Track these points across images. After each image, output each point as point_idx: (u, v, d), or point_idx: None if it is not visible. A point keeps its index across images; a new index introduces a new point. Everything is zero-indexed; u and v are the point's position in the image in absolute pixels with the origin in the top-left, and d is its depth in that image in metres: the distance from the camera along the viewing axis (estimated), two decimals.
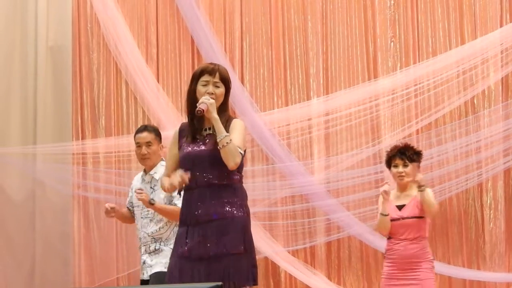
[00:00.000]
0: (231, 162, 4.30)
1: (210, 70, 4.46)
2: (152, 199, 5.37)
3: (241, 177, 4.49)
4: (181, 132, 4.55)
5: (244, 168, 4.53)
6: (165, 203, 5.49)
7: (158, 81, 7.53)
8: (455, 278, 6.90)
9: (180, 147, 4.50)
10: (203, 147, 4.42)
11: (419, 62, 7.08)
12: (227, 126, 4.42)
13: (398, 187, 5.81)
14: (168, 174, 4.50)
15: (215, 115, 4.31)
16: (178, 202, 5.05)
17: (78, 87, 7.69)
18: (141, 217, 5.67)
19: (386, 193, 5.65)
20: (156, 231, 5.54)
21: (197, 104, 4.34)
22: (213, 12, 7.52)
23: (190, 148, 4.43)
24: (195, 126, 4.46)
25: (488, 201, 6.92)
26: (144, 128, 5.75)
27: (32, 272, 7.56)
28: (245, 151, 4.46)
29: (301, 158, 7.19)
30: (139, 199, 5.38)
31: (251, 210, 4.65)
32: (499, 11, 7.00)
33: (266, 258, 7.19)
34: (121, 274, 7.46)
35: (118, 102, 7.66)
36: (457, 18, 7.09)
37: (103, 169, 7.52)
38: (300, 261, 7.16)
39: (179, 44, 7.58)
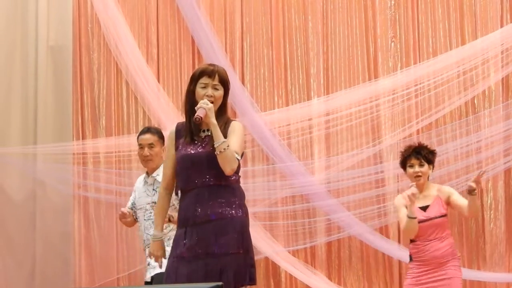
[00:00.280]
0: (228, 168, 4.30)
1: (209, 72, 4.45)
2: (171, 215, 5.28)
3: (239, 177, 4.50)
4: (178, 132, 4.54)
5: (244, 168, 4.54)
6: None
7: (158, 81, 7.54)
8: None
9: (177, 148, 4.49)
10: (201, 149, 4.42)
11: (419, 62, 7.08)
12: (225, 129, 4.42)
13: (416, 187, 5.74)
14: (166, 184, 4.53)
15: (213, 120, 4.30)
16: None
17: (79, 87, 7.69)
18: (144, 219, 5.68)
19: (414, 195, 5.54)
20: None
21: (196, 108, 4.33)
22: (213, 12, 7.52)
23: (188, 150, 4.43)
24: (193, 127, 4.46)
25: (489, 201, 6.92)
26: (147, 130, 5.77)
27: (32, 272, 7.56)
28: (242, 154, 4.46)
29: (301, 158, 7.19)
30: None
31: (252, 210, 4.67)
32: (500, 11, 7.00)
33: (266, 258, 7.19)
34: (121, 274, 7.47)
35: (118, 102, 7.66)
36: (458, 18, 7.10)
37: (103, 169, 7.53)
38: (301, 261, 7.16)
39: (180, 44, 7.58)
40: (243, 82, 7.39)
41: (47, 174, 7.55)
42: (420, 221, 5.61)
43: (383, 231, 7.04)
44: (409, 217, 5.57)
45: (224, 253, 4.32)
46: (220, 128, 4.37)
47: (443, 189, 5.78)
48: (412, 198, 5.50)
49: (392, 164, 6.99)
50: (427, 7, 7.15)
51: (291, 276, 7.18)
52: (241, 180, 4.58)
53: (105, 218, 7.54)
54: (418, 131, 7.01)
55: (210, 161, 4.35)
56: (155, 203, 5.52)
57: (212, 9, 7.52)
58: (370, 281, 7.10)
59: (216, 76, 4.44)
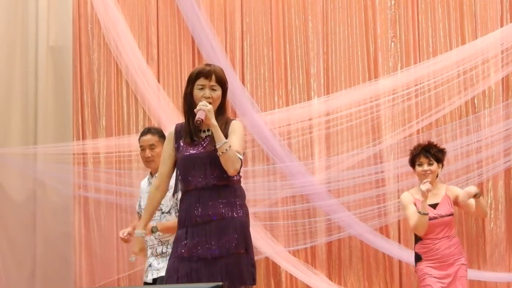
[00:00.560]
0: (231, 169, 4.31)
1: (206, 73, 4.45)
2: (155, 226, 5.30)
3: (239, 177, 4.50)
4: (177, 133, 4.54)
5: (245, 168, 4.55)
6: (171, 205, 5.49)
7: (158, 81, 7.53)
8: None
9: (178, 149, 4.49)
10: (202, 149, 4.42)
11: (419, 62, 7.08)
12: (226, 128, 4.42)
13: (429, 184, 5.75)
14: (160, 180, 4.54)
15: (213, 121, 4.30)
16: None
17: (79, 87, 7.69)
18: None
19: (428, 191, 5.57)
20: (163, 234, 5.53)
21: (195, 111, 4.33)
22: (213, 12, 7.52)
23: (189, 150, 4.43)
24: (193, 127, 4.46)
25: (489, 201, 6.92)
26: (147, 131, 5.75)
27: (33, 272, 7.56)
28: (244, 153, 4.46)
29: (301, 158, 7.19)
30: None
31: (252, 210, 4.67)
32: (500, 11, 7.00)
33: (267, 258, 7.19)
34: (121, 275, 7.46)
35: (118, 102, 7.66)
36: (458, 18, 7.10)
37: (103, 169, 7.52)
38: (301, 261, 7.16)
39: (180, 44, 7.58)
40: (243, 82, 7.39)
41: (48, 174, 7.55)
42: (430, 218, 5.64)
43: (384, 231, 7.04)
44: (422, 213, 5.60)
45: (225, 253, 4.33)
46: (220, 128, 4.38)
47: (451, 189, 5.82)
48: (426, 194, 5.55)
49: (392, 164, 6.99)
50: (427, 7, 7.15)
51: (291, 276, 7.18)
52: (242, 180, 4.58)
53: (105, 218, 7.54)
54: (418, 131, 7.01)
55: (211, 161, 4.35)
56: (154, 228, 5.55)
57: (212, 9, 7.52)
58: (371, 281, 7.11)
59: (213, 77, 4.44)
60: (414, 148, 5.91)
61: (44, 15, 7.70)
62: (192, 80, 4.47)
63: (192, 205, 4.40)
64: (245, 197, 4.52)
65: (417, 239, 5.78)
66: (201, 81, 4.44)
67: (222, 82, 4.48)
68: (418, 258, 5.76)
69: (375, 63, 7.22)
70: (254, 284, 4.44)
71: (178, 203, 4.68)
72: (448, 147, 6.86)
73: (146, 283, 5.62)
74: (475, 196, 5.60)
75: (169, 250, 5.44)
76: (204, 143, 4.44)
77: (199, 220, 4.37)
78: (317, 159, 7.18)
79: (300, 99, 7.32)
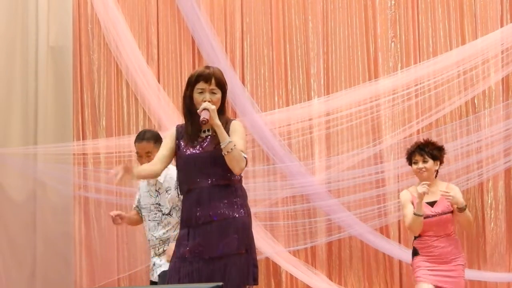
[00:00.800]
0: (237, 168, 4.32)
1: (206, 76, 4.45)
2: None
3: (241, 177, 4.50)
4: (179, 133, 4.55)
5: (245, 168, 4.52)
6: (171, 206, 5.51)
7: (159, 81, 7.54)
8: None
9: (178, 148, 4.49)
10: (203, 149, 4.43)
11: (419, 62, 7.08)
12: (226, 129, 4.43)
13: (427, 186, 5.76)
14: (156, 162, 4.51)
15: (217, 121, 4.32)
16: None
17: (79, 87, 7.69)
18: (149, 220, 5.68)
19: (423, 194, 5.57)
20: (164, 234, 5.55)
21: (199, 111, 4.34)
22: (213, 12, 7.52)
23: (190, 151, 4.44)
24: (193, 128, 4.46)
25: (489, 201, 6.92)
26: (142, 137, 5.68)
27: (33, 272, 7.56)
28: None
29: (302, 158, 7.19)
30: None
31: (252, 210, 4.66)
32: (500, 11, 7.00)
33: (267, 259, 7.19)
34: (122, 275, 7.47)
35: (118, 103, 7.66)
36: (458, 18, 7.10)
37: (103, 170, 7.52)
38: (301, 261, 7.16)
39: (180, 45, 7.58)
40: (243, 82, 7.39)
41: (48, 175, 7.55)
42: (428, 216, 5.64)
43: (384, 231, 7.04)
44: (416, 214, 5.60)
45: (227, 253, 4.33)
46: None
47: (451, 187, 5.82)
48: (422, 195, 5.55)
49: (392, 164, 6.99)
50: (427, 7, 7.15)
51: (291, 276, 7.19)
52: (242, 180, 4.58)
53: (105, 219, 7.53)
54: (418, 131, 7.01)
55: (213, 160, 4.36)
56: (159, 204, 5.58)
57: (212, 9, 7.52)
58: (371, 281, 7.11)
59: (213, 80, 4.45)
60: (411, 146, 5.93)
61: (44, 15, 7.70)
62: (191, 83, 4.47)
63: (193, 206, 4.40)
64: (246, 197, 4.52)
65: (416, 236, 5.78)
66: (200, 85, 4.44)
67: (221, 85, 4.48)
68: (415, 252, 5.77)
69: (375, 63, 7.22)
70: (256, 284, 4.44)
71: (180, 203, 4.69)
72: (448, 147, 6.86)
73: (152, 282, 5.64)
74: (460, 209, 5.61)
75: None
76: (204, 143, 4.45)
77: (201, 220, 4.37)
78: (317, 159, 7.18)
79: (300, 99, 7.32)
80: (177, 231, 5.36)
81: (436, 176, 5.85)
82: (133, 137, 6.00)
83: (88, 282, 7.52)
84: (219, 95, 4.46)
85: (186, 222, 4.43)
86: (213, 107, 4.34)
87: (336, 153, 7.16)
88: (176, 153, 4.51)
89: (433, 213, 5.66)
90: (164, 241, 5.56)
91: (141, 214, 5.80)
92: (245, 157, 4.35)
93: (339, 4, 7.32)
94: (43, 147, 7.58)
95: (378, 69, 7.19)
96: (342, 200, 7.06)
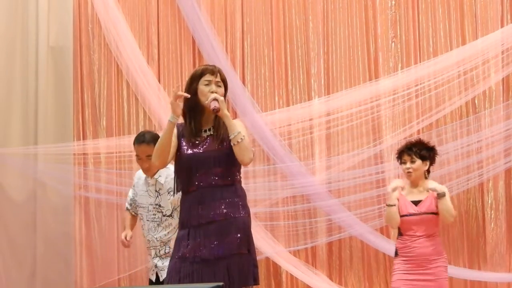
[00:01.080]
0: (246, 158, 4.33)
1: (211, 69, 4.49)
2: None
3: (240, 177, 4.51)
4: (179, 132, 4.54)
5: (245, 169, 4.55)
6: (173, 208, 5.47)
7: (159, 81, 7.53)
8: (456, 278, 6.90)
9: (179, 148, 4.49)
10: (205, 148, 4.43)
11: (420, 62, 7.08)
12: (227, 128, 4.43)
13: (411, 182, 5.80)
14: None
15: (226, 112, 4.35)
16: None
17: (79, 87, 7.69)
18: (147, 220, 5.63)
19: (397, 188, 5.65)
20: (165, 235, 5.52)
21: (208, 101, 4.35)
22: (214, 12, 7.52)
23: (191, 150, 4.44)
24: (194, 127, 4.46)
25: (489, 201, 6.92)
26: (142, 140, 5.58)
27: (33, 272, 7.56)
28: None
29: (302, 158, 7.19)
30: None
31: (253, 210, 4.67)
32: (500, 12, 7.00)
33: (267, 259, 7.19)
34: (122, 275, 7.46)
35: (119, 103, 7.66)
36: (458, 19, 7.10)
37: (104, 170, 7.52)
38: (302, 262, 7.16)
39: (180, 45, 7.58)
40: (243, 82, 7.39)
41: (48, 175, 7.55)
42: (410, 214, 5.65)
43: (384, 231, 7.04)
44: (387, 205, 5.69)
45: (228, 253, 4.33)
46: (222, 127, 4.40)
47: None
48: (394, 188, 5.64)
49: (392, 164, 6.98)
50: (427, 7, 7.15)
51: (292, 276, 7.19)
52: (242, 180, 4.58)
53: (106, 219, 7.53)
54: (418, 131, 7.01)
55: (213, 160, 4.36)
56: (158, 205, 5.51)
57: (213, 9, 7.52)
58: (371, 281, 7.11)
59: (218, 74, 4.48)
60: (401, 146, 5.94)
61: (44, 15, 7.70)
62: (197, 77, 4.48)
63: (194, 206, 4.40)
64: (246, 197, 4.52)
65: (399, 233, 5.79)
66: (207, 77, 4.46)
67: (225, 81, 4.53)
68: (395, 253, 5.79)
69: (376, 64, 7.22)
70: (257, 284, 4.44)
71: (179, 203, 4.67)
72: (449, 147, 6.87)
73: (151, 282, 5.61)
74: (438, 196, 5.60)
75: (171, 250, 5.44)
76: (205, 142, 4.45)
77: (201, 220, 4.37)
78: (318, 159, 7.18)
79: (300, 99, 7.32)
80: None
81: (427, 177, 5.83)
82: (133, 137, 5.97)
83: (88, 282, 7.52)
84: (223, 89, 4.49)
85: (186, 222, 4.43)
86: (222, 98, 4.37)
87: (337, 153, 7.16)
88: (176, 152, 4.51)
89: (416, 212, 5.67)
90: (166, 243, 5.52)
91: (136, 212, 5.74)
92: (252, 149, 4.38)
93: (340, 4, 7.32)
94: (43, 147, 7.58)
95: (379, 69, 7.20)
96: (343, 200, 7.06)
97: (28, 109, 7.67)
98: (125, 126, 7.60)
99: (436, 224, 5.72)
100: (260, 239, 6.98)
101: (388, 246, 6.96)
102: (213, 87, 4.44)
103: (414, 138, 6.21)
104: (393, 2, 7.23)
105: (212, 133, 4.46)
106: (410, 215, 5.65)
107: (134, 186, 5.81)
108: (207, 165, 4.38)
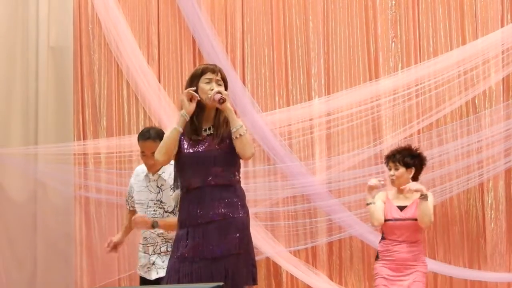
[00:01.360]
0: (248, 152, 4.33)
1: (212, 68, 4.50)
2: (155, 221, 5.19)
3: (239, 177, 4.51)
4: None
5: (245, 169, 4.54)
6: (175, 205, 5.41)
7: (159, 81, 7.54)
8: (456, 278, 6.91)
9: (180, 146, 4.49)
10: (204, 148, 4.43)
11: (420, 62, 7.08)
12: (227, 127, 4.43)
13: (397, 188, 5.81)
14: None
15: (229, 105, 4.35)
16: None
17: (80, 87, 7.70)
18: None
19: (373, 187, 5.70)
20: (167, 232, 5.42)
21: (212, 93, 4.35)
22: (214, 12, 7.52)
23: (191, 149, 4.43)
24: (194, 127, 4.47)
25: (489, 201, 6.92)
26: (148, 136, 5.45)
27: (34, 272, 7.56)
28: None
29: (302, 158, 7.19)
30: (138, 227, 5.24)
31: (253, 210, 4.67)
32: (500, 12, 7.00)
33: (267, 259, 7.19)
34: (122, 275, 7.47)
35: (119, 103, 7.67)
36: (458, 19, 7.10)
37: (104, 170, 7.52)
38: (302, 262, 7.17)
39: (181, 45, 7.59)
40: (244, 82, 7.40)
41: (48, 175, 7.55)
42: (394, 219, 5.66)
43: None
44: (366, 204, 5.73)
45: (227, 253, 4.33)
46: (221, 126, 4.40)
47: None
48: (369, 188, 5.70)
49: None
50: (427, 7, 7.16)
51: (292, 276, 7.19)
52: (242, 180, 4.59)
53: (106, 219, 7.53)
54: (419, 131, 7.01)
55: (213, 160, 4.37)
56: (160, 201, 5.43)
57: (213, 9, 7.53)
58: (371, 281, 7.10)
59: (219, 73, 4.48)
60: (388, 152, 5.96)
61: (44, 15, 7.70)
62: (197, 75, 4.48)
63: (193, 205, 4.40)
64: (245, 197, 4.52)
65: (382, 237, 5.80)
66: (208, 75, 4.46)
67: (225, 80, 4.54)
68: (376, 256, 5.80)
69: (376, 63, 7.22)
70: (255, 284, 4.44)
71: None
72: (449, 147, 6.88)
73: (144, 279, 5.52)
74: (421, 196, 5.59)
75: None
76: (205, 142, 4.45)
77: (201, 220, 4.37)
78: (318, 159, 7.19)
79: (300, 99, 7.32)
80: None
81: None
82: (134, 137, 5.94)
83: (88, 282, 7.52)
84: (223, 88, 4.49)
85: (185, 222, 4.43)
86: (226, 92, 4.38)
87: (337, 153, 7.16)
88: (178, 151, 4.51)
89: (400, 217, 5.67)
90: (167, 240, 5.46)
91: (132, 206, 5.66)
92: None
93: (340, 4, 7.32)
94: (43, 147, 7.58)
95: (379, 69, 7.20)
96: (343, 200, 7.06)
97: (29, 109, 7.67)
98: (125, 126, 7.61)
99: (420, 230, 5.72)
100: (261, 239, 6.99)
101: None
102: (214, 85, 4.45)
103: (403, 143, 6.20)
104: (393, 2, 7.23)
105: (212, 132, 4.46)
106: (395, 220, 5.66)
107: (131, 181, 5.71)
108: (207, 164, 4.37)
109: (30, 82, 7.68)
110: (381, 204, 5.72)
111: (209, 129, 4.47)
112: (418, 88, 6.98)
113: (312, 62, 7.32)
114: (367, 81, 7.18)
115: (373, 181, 5.74)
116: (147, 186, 5.54)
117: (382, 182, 5.78)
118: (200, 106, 4.45)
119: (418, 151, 5.86)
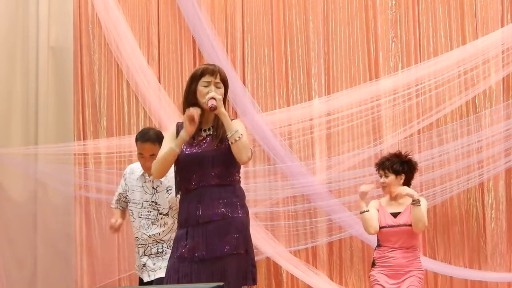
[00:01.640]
0: (244, 157, 4.31)
1: (211, 70, 4.46)
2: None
3: (239, 177, 4.50)
4: (179, 132, 4.53)
5: (245, 169, 4.54)
6: (170, 206, 5.38)
7: (159, 82, 7.54)
8: (456, 278, 6.91)
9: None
10: (203, 148, 4.42)
11: (420, 62, 7.09)
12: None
13: (389, 195, 5.81)
14: None
15: (223, 110, 4.33)
16: None
17: (80, 87, 7.70)
18: (139, 217, 5.47)
19: (363, 193, 5.71)
20: (159, 234, 5.40)
21: (206, 99, 4.34)
22: (214, 12, 7.52)
23: (190, 150, 4.43)
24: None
25: (490, 201, 6.92)
26: (147, 138, 5.36)
27: (34, 273, 7.56)
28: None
29: (302, 158, 7.19)
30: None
31: (253, 210, 4.67)
32: (500, 11, 7.01)
33: (268, 259, 7.19)
34: (122, 275, 7.47)
35: (119, 103, 7.67)
36: (458, 18, 7.10)
37: (104, 170, 7.52)
38: (302, 262, 7.17)
39: (181, 45, 7.59)
40: (244, 82, 7.40)
41: (48, 175, 7.55)
42: (388, 226, 5.67)
43: None
44: (360, 212, 5.73)
45: (226, 253, 4.32)
46: (221, 127, 4.39)
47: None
48: (361, 195, 5.71)
49: None
50: (427, 7, 7.16)
51: (292, 276, 7.19)
52: (242, 180, 4.59)
53: (106, 219, 7.52)
54: (419, 131, 7.02)
55: (212, 160, 4.36)
56: (155, 202, 5.38)
57: (213, 9, 7.53)
58: None
59: (218, 75, 4.46)
60: (378, 159, 5.97)
61: (45, 16, 7.70)
62: (196, 77, 4.46)
63: (192, 205, 4.39)
64: (245, 197, 4.51)
65: (377, 244, 5.79)
66: (206, 78, 4.44)
67: (225, 81, 4.49)
68: (373, 263, 5.79)
69: (376, 63, 7.22)
70: (255, 284, 4.43)
71: (178, 203, 4.64)
72: (449, 147, 6.88)
73: (143, 281, 5.47)
74: (413, 202, 5.57)
75: (165, 250, 5.35)
76: (205, 142, 4.44)
77: (200, 220, 4.36)
78: (318, 159, 7.19)
79: (301, 99, 7.33)
80: (172, 232, 5.28)
81: None
82: (134, 137, 5.88)
83: (89, 282, 7.52)
84: (222, 90, 4.47)
85: (185, 222, 4.42)
86: (220, 97, 4.35)
87: (337, 153, 7.16)
88: None
89: (394, 224, 5.67)
90: (159, 241, 5.42)
91: (124, 207, 5.63)
92: (250, 148, 4.36)
93: (340, 4, 7.32)
94: (43, 147, 7.58)
95: (379, 69, 7.20)
96: (343, 200, 7.06)
97: (29, 109, 7.68)
98: (125, 126, 7.61)
99: (415, 236, 5.71)
100: (261, 239, 6.99)
101: None
102: (212, 88, 4.42)
103: (393, 150, 6.19)
104: (394, 2, 7.23)
105: (211, 133, 4.45)
106: (389, 226, 5.67)
107: (125, 180, 5.62)
108: (206, 164, 4.36)
109: (30, 82, 7.68)
110: (375, 212, 5.73)
111: (209, 129, 4.47)
112: (418, 88, 6.99)
113: (312, 62, 7.32)
114: (367, 81, 7.19)
115: (363, 187, 5.75)
116: (143, 186, 5.49)
117: (372, 185, 5.79)
118: (200, 108, 4.43)
119: (408, 157, 5.84)
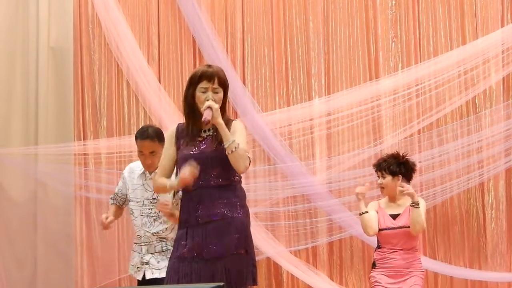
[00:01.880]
0: (242, 167, 4.31)
1: (209, 75, 4.42)
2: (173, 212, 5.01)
3: (240, 177, 4.50)
4: (179, 133, 4.52)
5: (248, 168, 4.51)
6: (172, 202, 5.36)
7: (159, 82, 7.54)
8: (456, 278, 6.91)
9: (178, 148, 4.49)
10: (204, 149, 4.42)
11: (420, 62, 7.09)
12: (227, 129, 4.42)
13: (388, 197, 5.81)
14: (163, 174, 4.48)
15: (220, 120, 4.31)
16: None
17: (80, 87, 7.70)
18: (141, 215, 5.47)
19: (359, 194, 5.70)
20: (162, 231, 5.40)
21: (202, 110, 4.33)
22: (214, 12, 7.52)
23: (190, 150, 4.43)
24: (194, 128, 4.46)
25: (490, 201, 6.92)
26: (146, 136, 5.39)
27: (34, 273, 7.56)
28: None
29: (302, 158, 7.19)
30: (162, 210, 5.03)
31: (253, 210, 4.67)
32: (500, 11, 7.01)
33: (268, 259, 7.19)
34: (123, 275, 7.45)
35: (119, 103, 7.67)
36: (458, 18, 7.10)
37: (104, 170, 7.52)
38: (302, 262, 7.17)
39: (181, 45, 7.59)
40: (244, 83, 7.40)
41: (49, 175, 7.54)
42: (388, 228, 5.66)
43: None
44: (360, 214, 5.72)
45: (226, 253, 4.32)
46: None
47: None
48: (357, 196, 5.70)
49: None
50: (427, 7, 7.16)
51: (292, 276, 7.19)
52: (243, 180, 4.58)
53: None
54: (419, 131, 7.02)
55: (212, 160, 4.36)
56: (156, 199, 5.37)
57: (213, 9, 7.53)
58: None
59: (216, 80, 4.43)
60: (376, 160, 5.96)
61: (44, 16, 7.70)
62: (194, 82, 4.45)
63: (193, 205, 4.40)
64: (245, 197, 4.51)
65: (378, 246, 5.79)
66: (203, 84, 4.42)
67: (223, 84, 4.47)
68: (373, 264, 5.79)
69: (376, 63, 7.22)
70: (255, 284, 4.44)
71: (179, 203, 4.64)
72: (449, 147, 6.88)
73: (141, 281, 5.43)
74: (412, 204, 5.56)
75: (170, 248, 5.27)
76: (205, 142, 4.44)
77: (200, 220, 4.37)
78: (318, 159, 7.19)
79: (301, 99, 7.33)
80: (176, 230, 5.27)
81: None
82: (134, 137, 5.89)
83: (89, 282, 7.52)
84: (221, 94, 4.45)
85: (185, 222, 4.43)
86: (216, 106, 4.33)
87: (337, 153, 7.16)
88: (176, 153, 4.50)
89: (394, 226, 5.66)
90: (162, 239, 5.42)
91: (121, 203, 5.62)
92: (249, 156, 4.35)
93: (340, 4, 7.32)
94: (44, 147, 7.58)
95: (379, 69, 7.20)
96: (343, 200, 7.06)
97: (29, 109, 7.67)
98: (125, 126, 7.61)
99: (415, 237, 5.71)
100: (261, 239, 6.98)
101: None
102: (209, 94, 4.40)
103: (391, 151, 6.17)
104: (394, 2, 7.23)
105: (211, 133, 4.45)
106: (389, 229, 5.66)
107: (124, 179, 5.62)
108: (205, 165, 4.36)
109: (30, 82, 7.68)
110: (374, 213, 5.73)
111: (209, 130, 4.47)
112: (418, 88, 6.99)
113: (312, 62, 7.32)
114: (367, 81, 7.19)
115: (358, 189, 5.74)
116: (143, 184, 5.49)
117: (367, 185, 5.78)
118: (198, 113, 4.42)
119: (405, 158, 5.81)
